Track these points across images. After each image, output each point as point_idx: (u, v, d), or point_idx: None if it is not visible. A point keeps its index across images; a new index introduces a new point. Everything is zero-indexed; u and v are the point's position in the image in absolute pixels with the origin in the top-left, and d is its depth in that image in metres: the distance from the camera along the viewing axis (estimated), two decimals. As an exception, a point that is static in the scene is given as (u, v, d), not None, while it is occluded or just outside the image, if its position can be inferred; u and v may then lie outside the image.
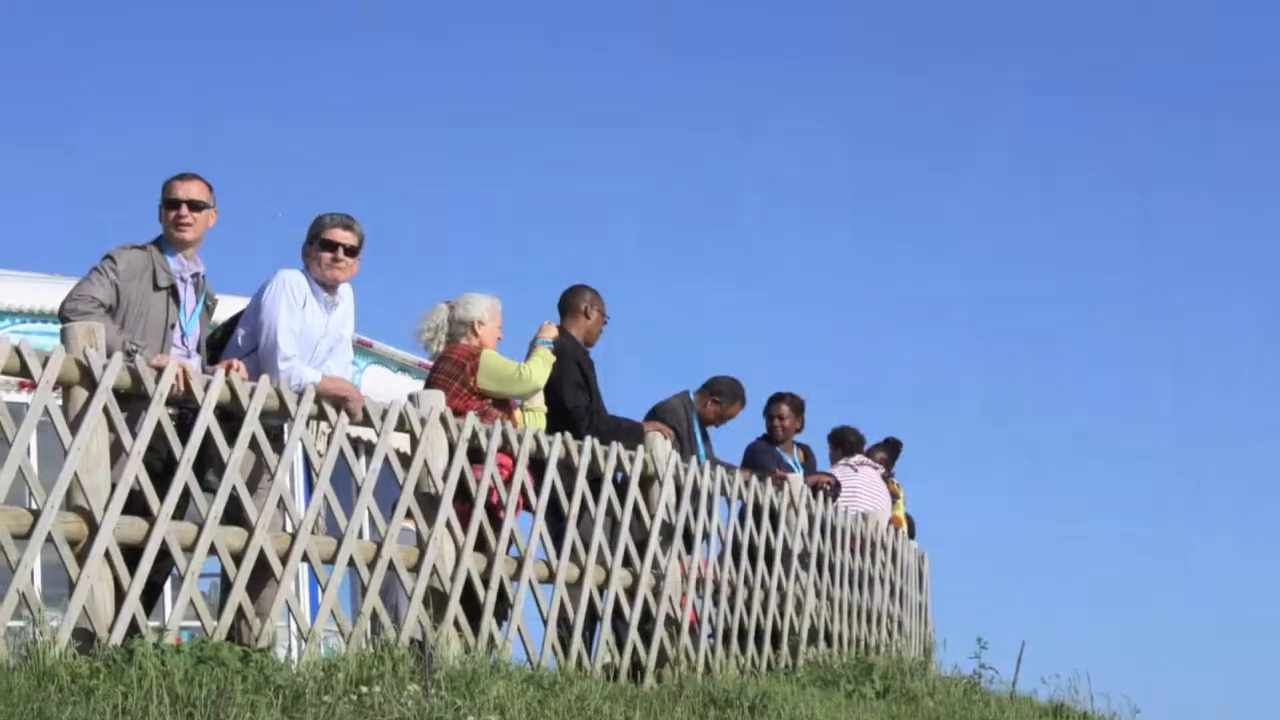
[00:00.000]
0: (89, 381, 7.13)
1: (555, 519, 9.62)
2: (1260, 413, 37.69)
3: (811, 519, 12.81)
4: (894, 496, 16.57)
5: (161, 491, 7.27)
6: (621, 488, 10.21)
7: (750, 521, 11.82)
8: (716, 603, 11.05)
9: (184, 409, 7.66)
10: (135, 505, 7.20)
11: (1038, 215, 39.50)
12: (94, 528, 6.99)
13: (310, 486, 8.09)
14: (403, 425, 8.61)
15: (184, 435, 7.46)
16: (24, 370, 6.88)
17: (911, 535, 17.11)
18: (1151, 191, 39.69)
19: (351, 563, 8.11)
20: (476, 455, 9.02)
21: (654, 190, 38.81)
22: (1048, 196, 39.45)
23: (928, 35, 39.29)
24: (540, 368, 9.95)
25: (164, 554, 7.29)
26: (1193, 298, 39.35)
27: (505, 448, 9.24)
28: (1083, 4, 39.32)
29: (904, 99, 38.78)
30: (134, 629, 7.01)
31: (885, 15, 39.01)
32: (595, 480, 9.93)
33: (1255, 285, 39.21)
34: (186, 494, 7.41)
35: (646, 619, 10.19)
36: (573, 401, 10.68)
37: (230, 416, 7.73)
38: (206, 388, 7.56)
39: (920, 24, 39.08)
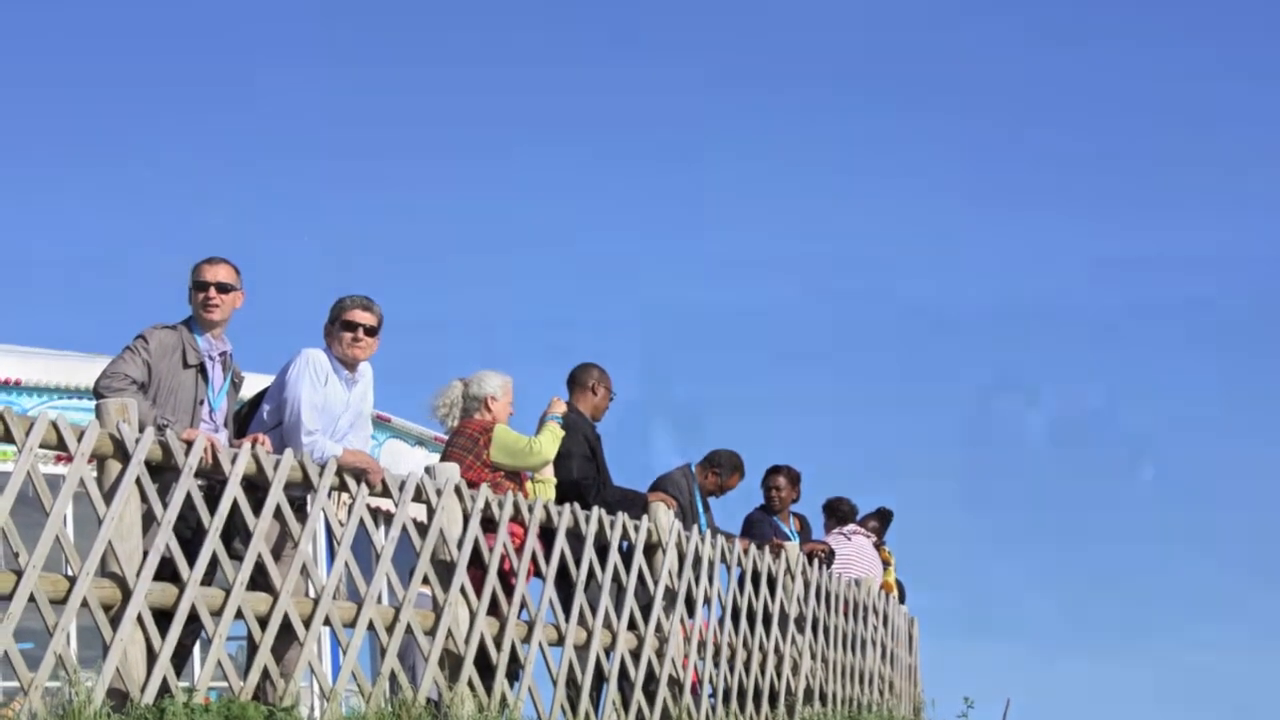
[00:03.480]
0: (122, 454, 7.14)
1: (564, 585, 9.61)
2: (1237, 469, 37.67)
3: (807, 585, 12.79)
4: (885, 564, 16.51)
5: (191, 559, 7.26)
6: (627, 555, 10.19)
7: (749, 587, 11.80)
8: (717, 664, 11.02)
9: (212, 480, 7.66)
10: (166, 572, 7.19)
11: (1026, 284, 39.56)
12: (127, 593, 6.98)
13: (332, 554, 8.10)
14: (420, 496, 8.61)
15: (212, 505, 7.46)
16: (61, 444, 6.89)
17: (902, 600, 17.05)
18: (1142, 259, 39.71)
19: (371, 626, 8.09)
20: (489, 524, 9.02)
21: (657, 266, 38.89)
22: (1040, 263, 39.53)
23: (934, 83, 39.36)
24: (550, 441, 9.94)
25: (193, 618, 7.27)
26: (1159, 374, 39.37)
27: (517, 517, 9.24)
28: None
29: (890, 159, 38.92)
30: (165, 689, 6.99)
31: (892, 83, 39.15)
32: (602, 548, 9.92)
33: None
34: (215, 561, 7.40)
35: (650, 680, 10.16)
36: (581, 473, 10.67)
37: (256, 487, 7.73)
38: (233, 460, 7.57)
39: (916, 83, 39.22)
